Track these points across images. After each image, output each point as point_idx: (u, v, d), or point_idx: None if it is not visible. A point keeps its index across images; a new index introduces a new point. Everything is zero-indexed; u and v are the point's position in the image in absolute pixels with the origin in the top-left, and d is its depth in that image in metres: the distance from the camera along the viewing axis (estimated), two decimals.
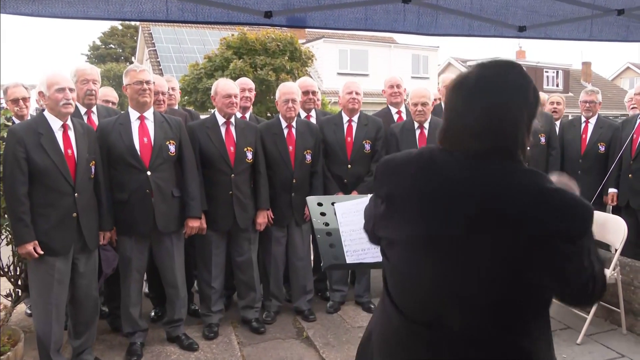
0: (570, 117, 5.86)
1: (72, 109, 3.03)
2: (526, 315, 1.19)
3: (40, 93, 2.99)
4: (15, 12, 1.96)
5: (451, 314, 1.19)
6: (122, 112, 3.57)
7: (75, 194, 2.99)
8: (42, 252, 2.90)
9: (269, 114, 14.59)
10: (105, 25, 38.41)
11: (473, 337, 1.18)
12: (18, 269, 3.56)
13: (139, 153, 3.27)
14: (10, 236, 3.35)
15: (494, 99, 1.20)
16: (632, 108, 5.17)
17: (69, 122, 3.05)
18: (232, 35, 16.85)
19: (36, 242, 2.89)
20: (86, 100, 3.65)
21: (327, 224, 1.92)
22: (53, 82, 2.94)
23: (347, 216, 1.92)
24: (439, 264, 1.20)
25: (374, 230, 1.40)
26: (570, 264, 1.14)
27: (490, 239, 1.14)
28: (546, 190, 1.14)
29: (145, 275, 3.75)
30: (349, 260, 1.84)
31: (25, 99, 4.29)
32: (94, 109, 3.75)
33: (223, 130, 3.69)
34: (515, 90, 1.21)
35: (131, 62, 31.00)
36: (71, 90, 3.01)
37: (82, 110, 3.66)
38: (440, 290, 1.20)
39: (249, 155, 3.73)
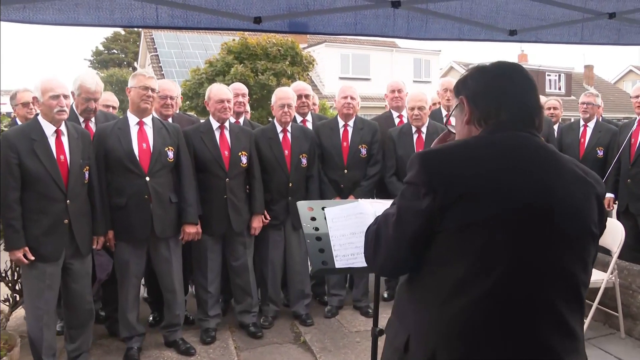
0: (572, 120, 5.82)
1: (66, 116, 3.02)
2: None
3: (34, 98, 2.98)
4: (6, 19, 1.97)
5: (549, 287, 1.21)
6: (120, 117, 3.58)
7: (67, 201, 2.99)
8: (32, 258, 2.89)
9: (270, 119, 14.60)
10: (108, 31, 38.47)
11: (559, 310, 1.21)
12: (16, 274, 3.57)
13: (137, 158, 3.28)
14: None
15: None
16: (638, 107, 5.11)
17: (62, 128, 3.04)
18: (233, 40, 16.91)
19: (26, 248, 2.88)
20: (84, 115, 3.59)
21: (317, 229, 1.92)
22: (47, 89, 2.93)
23: (337, 221, 1.92)
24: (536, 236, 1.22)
25: (418, 227, 1.26)
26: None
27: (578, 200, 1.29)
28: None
29: (143, 280, 3.75)
30: (338, 265, 1.84)
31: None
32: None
33: (217, 134, 3.71)
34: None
35: (134, 68, 31.13)
36: (65, 97, 2.99)
37: (80, 118, 3.66)
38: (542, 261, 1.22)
39: (244, 160, 3.74)
